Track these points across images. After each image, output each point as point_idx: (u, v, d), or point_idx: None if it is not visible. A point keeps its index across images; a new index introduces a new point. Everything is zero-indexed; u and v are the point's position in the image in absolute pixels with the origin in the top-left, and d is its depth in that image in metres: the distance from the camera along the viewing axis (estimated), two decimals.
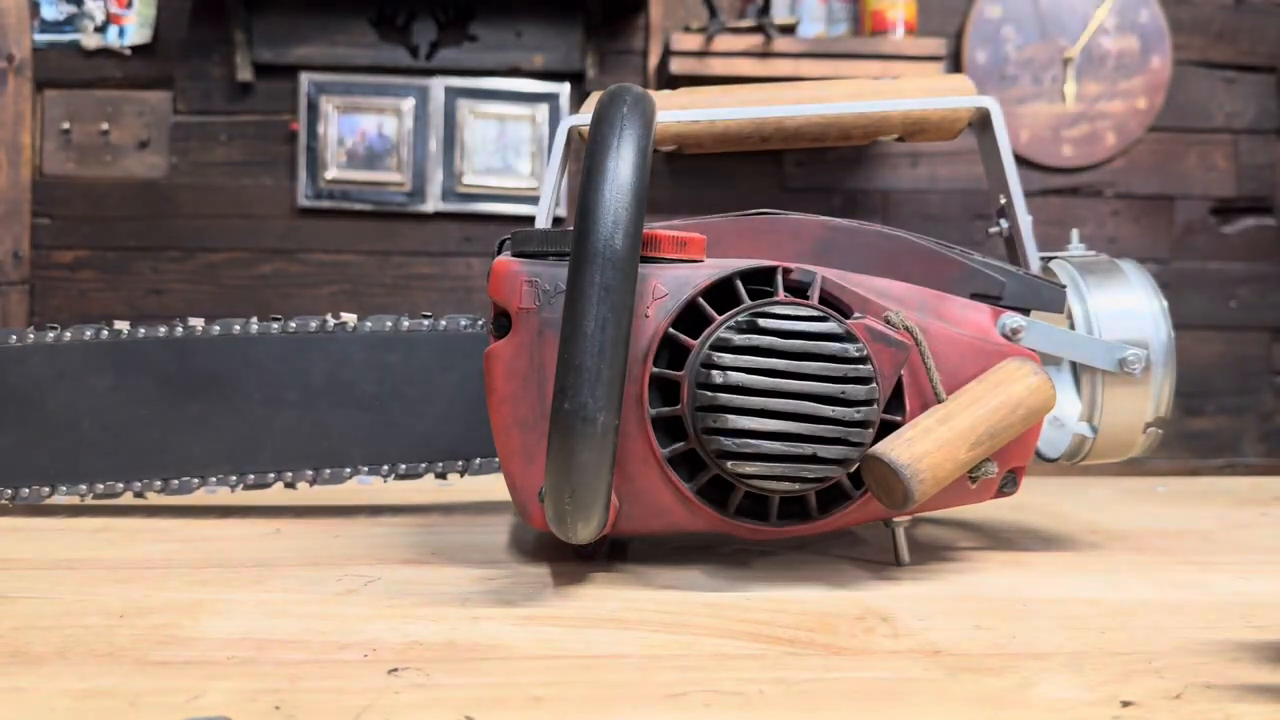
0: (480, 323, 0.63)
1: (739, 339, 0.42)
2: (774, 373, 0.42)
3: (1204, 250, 1.98)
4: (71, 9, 1.78)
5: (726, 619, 0.38)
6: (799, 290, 0.45)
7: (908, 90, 0.62)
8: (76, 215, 1.79)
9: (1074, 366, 0.55)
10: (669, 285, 0.44)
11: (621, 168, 0.38)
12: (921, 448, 0.41)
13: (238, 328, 0.61)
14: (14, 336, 0.60)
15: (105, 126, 1.79)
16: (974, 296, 0.51)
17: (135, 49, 1.79)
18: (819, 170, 1.91)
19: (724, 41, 1.67)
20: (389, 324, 0.62)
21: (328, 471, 0.61)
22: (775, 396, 0.41)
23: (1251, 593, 0.44)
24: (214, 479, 0.60)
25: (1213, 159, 1.98)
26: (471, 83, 1.83)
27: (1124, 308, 0.54)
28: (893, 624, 0.38)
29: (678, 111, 0.61)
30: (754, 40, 1.68)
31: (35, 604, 0.39)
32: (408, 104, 1.82)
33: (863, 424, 0.42)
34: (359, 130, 1.82)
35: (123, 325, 0.61)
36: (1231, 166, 1.99)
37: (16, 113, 1.77)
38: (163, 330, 0.61)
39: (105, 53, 1.79)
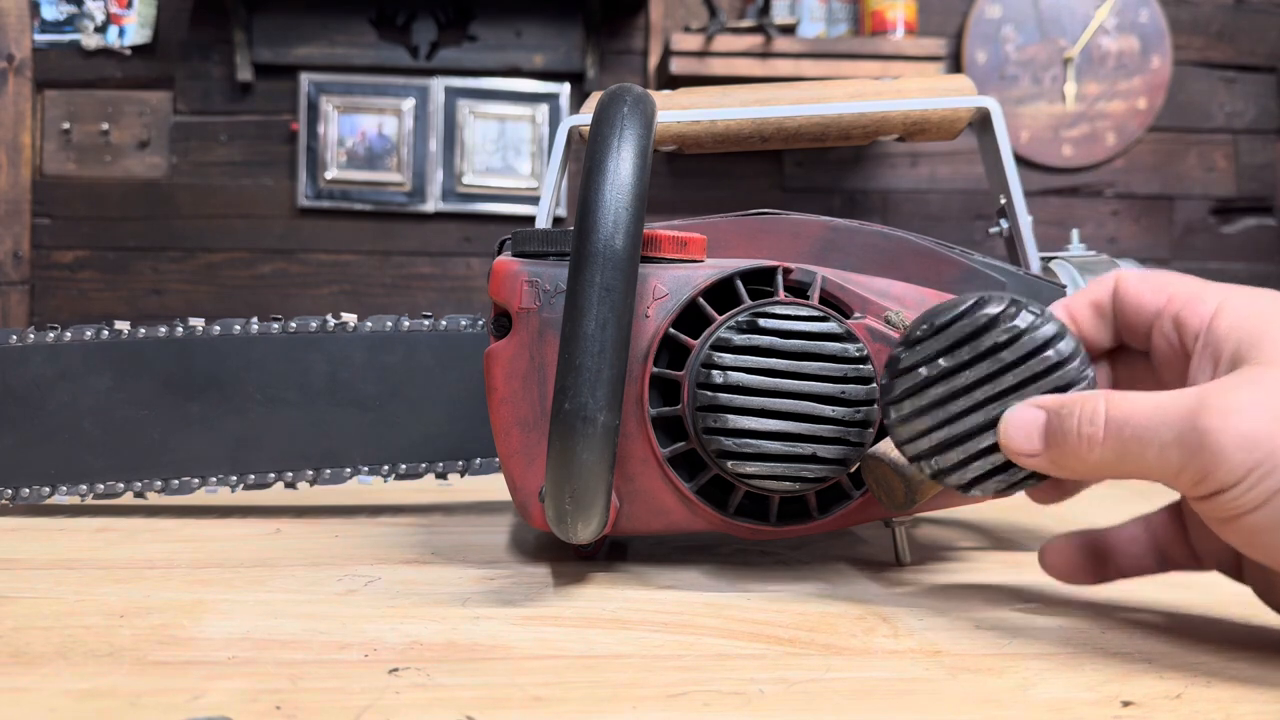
0: (480, 323, 0.63)
1: (739, 339, 0.42)
2: (774, 373, 0.42)
3: (1204, 250, 1.98)
4: (71, 9, 1.78)
5: (727, 619, 0.38)
6: (799, 290, 0.45)
7: (908, 90, 0.62)
8: (76, 215, 1.79)
9: None
10: (669, 285, 0.44)
11: (622, 168, 0.38)
12: None
13: (238, 328, 0.61)
14: (14, 336, 0.60)
15: (105, 126, 1.79)
16: None
17: (135, 49, 1.80)
18: (819, 170, 1.91)
19: (724, 41, 1.68)
20: (389, 324, 0.62)
21: (328, 471, 0.61)
22: (775, 396, 0.41)
23: (1251, 593, 0.44)
24: (214, 479, 0.60)
25: (1213, 159, 1.98)
26: (471, 83, 1.83)
27: None
28: (893, 624, 0.38)
29: (678, 111, 0.61)
30: (754, 40, 1.68)
31: (35, 604, 0.39)
32: (408, 104, 1.82)
33: (863, 424, 0.42)
34: (359, 130, 1.82)
35: (123, 325, 0.61)
36: (1231, 166, 1.99)
37: (16, 113, 1.77)
38: (163, 330, 0.61)
39: (105, 53, 1.79)
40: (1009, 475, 0.35)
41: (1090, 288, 0.37)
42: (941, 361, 0.35)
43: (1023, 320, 0.35)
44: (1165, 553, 0.38)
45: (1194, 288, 0.34)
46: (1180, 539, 0.38)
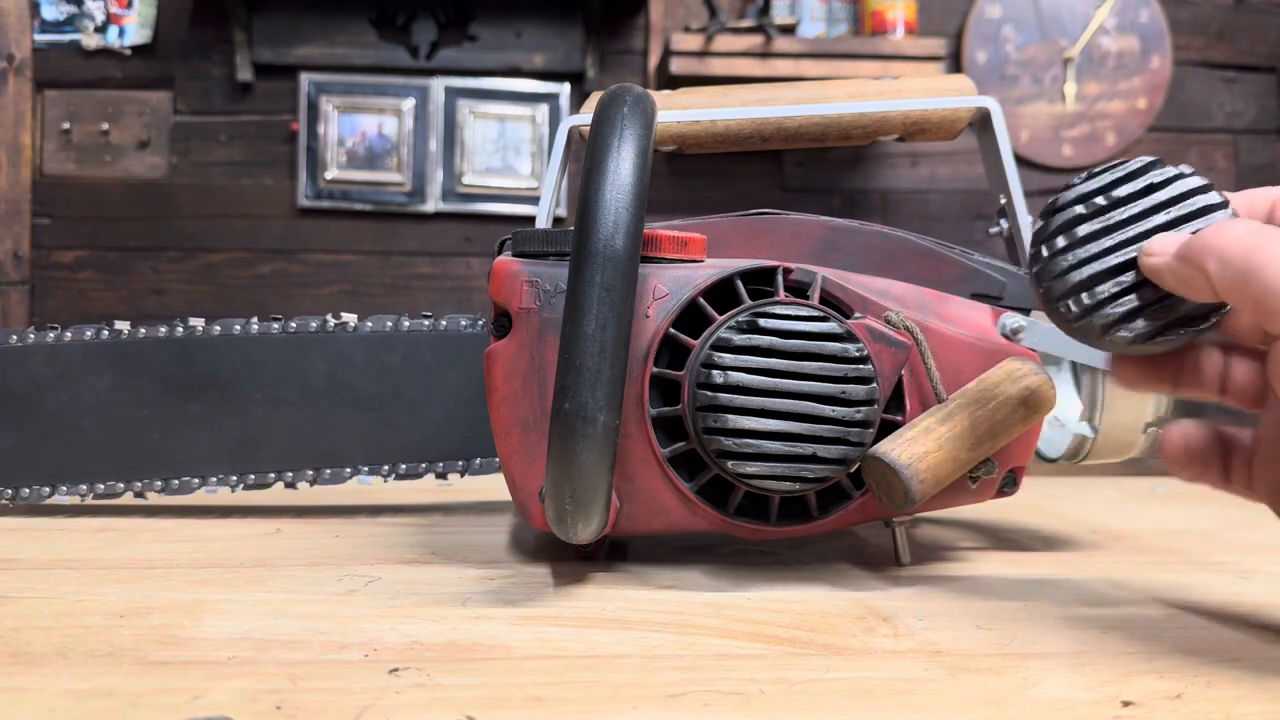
0: (480, 323, 0.63)
1: (739, 339, 0.42)
2: (774, 373, 0.42)
3: None
4: (71, 9, 1.78)
5: (727, 619, 0.38)
6: (799, 290, 0.45)
7: (908, 90, 0.62)
8: (76, 215, 1.79)
9: (1074, 366, 0.55)
10: (669, 285, 0.44)
11: (622, 168, 0.38)
12: (922, 448, 0.41)
13: (238, 328, 0.61)
14: (14, 336, 0.60)
15: (105, 126, 1.79)
16: (974, 296, 0.51)
17: (135, 49, 1.80)
18: (819, 170, 1.91)
19: (724, 41, 1.68)
20: (389, 324, 0.62)
21: (328, 471, 0.61)
22: (775, 396, 0.41)
23: (1251, 593, 0.44)
24: (214, 479, 0.60)
25: (1213, 159, 1.98)
26: (471, 83, 1.83)
27: None
28: (893, 624, 0.38)
29: (678, 111, 0.61)
30: (754, 40, 1.68)
31: (35, 604, 0.39)
32: (408, 104, 1.82)
33: (863, 424, 0.42)
34: (359, 130, 1.82)
35: (123, 325, 0.61)
36: (1231, 166, 1.99)
37: (16, 113, 1.77)
38: (163, 330, 0.61)
39: (105, 53, 1.79)
40: (1154, 315, 0.35)
41: (1243, 197, 0.36)
42: (1099, 199, 0.36)
43: (1180, 168, 0.36)
44: (1230, 466, 0.37)
45: None
46: (1247, 464, 0.37)
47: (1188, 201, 0.35)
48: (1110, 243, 0.36)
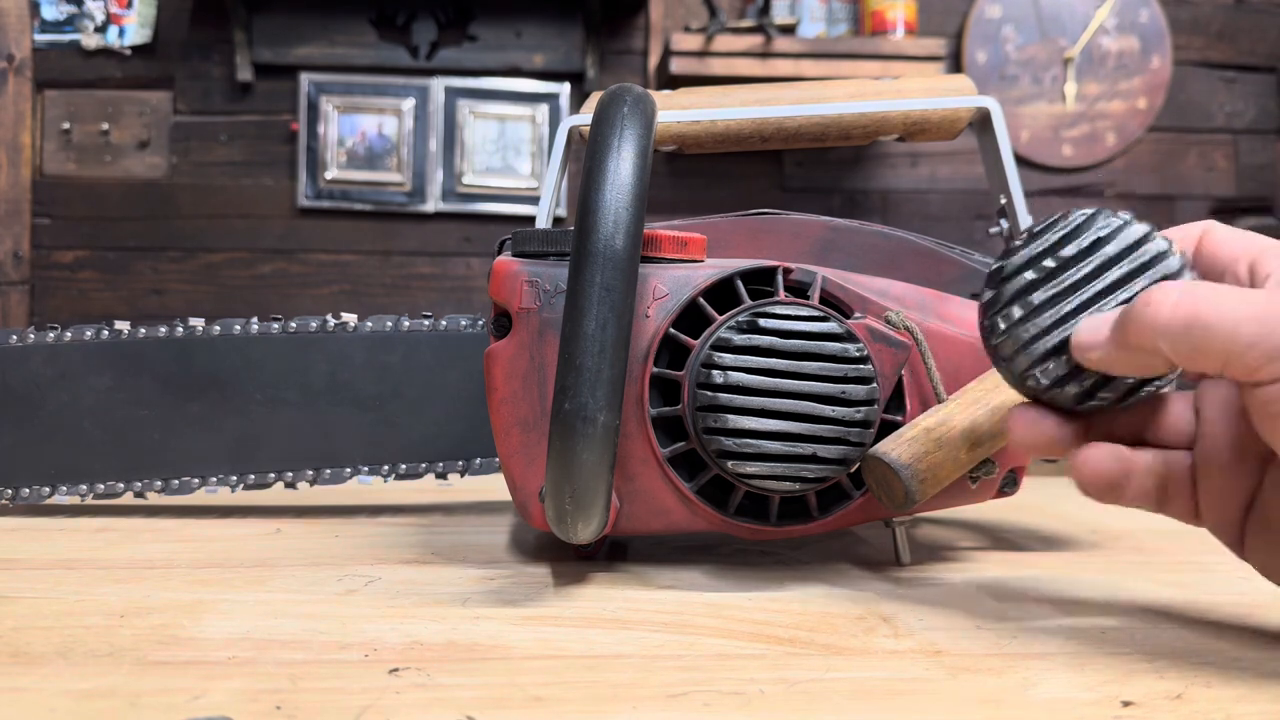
0: (480, 323, 0.63)
1: (739, 339, 0.42)
2: (774, 373, 0.42)
3: None
4: (71, 9, 1.78)
5: (727, 619, 0.38)
6: (799, 290, 0.45)
7: (908, 90, 0.62)
8: (76, 215, 1.79)
9: None
10: (669, 285, 0.44)
11: (622, 168, 0.38)
12: (922, 448, 0.41)
13: (238, 328, 0.61)
14: (14, 336, 0.60)
15: (105, 126, 1.79)
16: (974, 296, 0.51)
17: (135, 49, 1.80)
18: (819, 170, 1.91)
19: (724, 41, 1.68)
20: (389, 324, 0.62)
21: (328, 471, 0.61)
22: (775, 396, 0.41)
23: (1252, 593, 0.44)
24: (214, 479, 0.60)
25: (1213, 159, 1.98)
26: (471, 83, 1.83)
27: None
28: (893, 624, 0.38)
29: (678, 111, 0.61)
30: (754, 40, 1.68)
31: (35, 604, 0.39)
32: (408, 104, 1.82)
33: (863, 424, 0.42)
34: (359, 130, 1.82)
35: (123, 325, 0.61)
36: (1231, 166, 1.99)
37: (16, 113, 1.77)
38: (163, 330, 0.61)
39: (105, 53, 1.79)
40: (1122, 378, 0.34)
41: (1174, 233, 0.36)
42: (1047, 262, 0.35)
43: (1121, 215, 0.35)
44: (1168, 494, 0.36)
45: (1276, 241, 0.35)
46: (1189, 489, 0.36)
47: (1138, 253, 0.34)
48: (1069, 307, 0.35)
